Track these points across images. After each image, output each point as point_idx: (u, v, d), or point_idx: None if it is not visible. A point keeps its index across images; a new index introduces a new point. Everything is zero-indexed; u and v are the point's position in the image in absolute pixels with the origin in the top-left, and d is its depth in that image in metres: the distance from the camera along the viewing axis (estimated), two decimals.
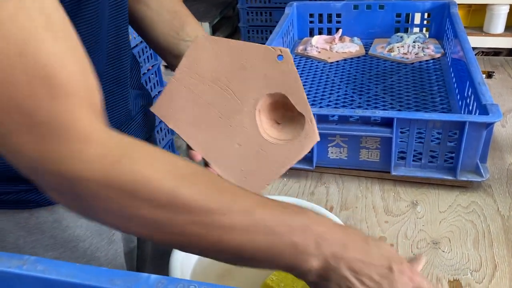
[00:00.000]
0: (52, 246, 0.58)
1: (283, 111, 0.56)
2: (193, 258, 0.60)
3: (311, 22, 1.36)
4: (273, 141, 0.56)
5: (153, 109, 0.59)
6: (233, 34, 3.88)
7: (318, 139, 0.55)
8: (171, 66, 0.66)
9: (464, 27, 1.11)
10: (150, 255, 0.77)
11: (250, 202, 0.41)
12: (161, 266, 0.61)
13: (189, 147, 0.60)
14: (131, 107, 0.63)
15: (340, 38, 1.33)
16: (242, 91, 0.55)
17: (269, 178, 0.56)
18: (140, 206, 0.38)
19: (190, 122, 0.57)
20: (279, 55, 0.52)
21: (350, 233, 0.44)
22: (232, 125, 0.56)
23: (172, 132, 2.36)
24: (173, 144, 2.39)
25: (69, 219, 0.59)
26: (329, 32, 1.38)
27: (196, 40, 0.56)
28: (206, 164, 0.59)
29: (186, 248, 0.43)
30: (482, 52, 2.00)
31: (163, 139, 2.27)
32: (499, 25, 1.93)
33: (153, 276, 0.30)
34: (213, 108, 0.56)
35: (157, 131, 2.16)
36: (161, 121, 2.32)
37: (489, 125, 0.74)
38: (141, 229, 0.40)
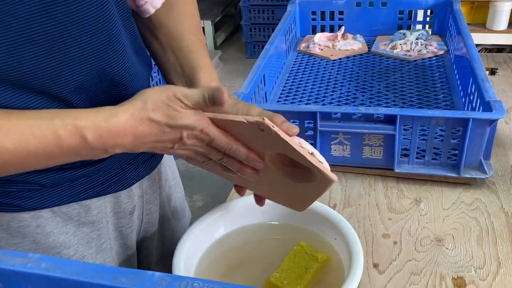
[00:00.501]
0: (34, 251, 0.57)
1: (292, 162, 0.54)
2: (196, 258, 0.61)
3: (313, 19, 1.36)
4: (295, 181, 0.55)
5: None
6: (235, 32, 3.88)
7: (335, 179, 0.51)
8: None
9: (467, 23, 1.11)
10: (155, 259, 0.76)
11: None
12: (166, 269, 0.61)
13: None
14: None
15: (343, 36, 1.33)
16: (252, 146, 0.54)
17: (310, 201, 0.57)
18: None
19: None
20: (260, 129, 0.49)
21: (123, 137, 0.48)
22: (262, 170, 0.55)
23: None
24: None
25: (54, 225, 0.57)
26: (332, 30, 1.37)
27: None
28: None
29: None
30: (485, 48, 2.00)
31: None
32: (502, 21, 1.93)
33: (157, 273, 0.30)
34: None
35: None
36: None
37: (492, 122, 0.74)
38: None
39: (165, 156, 0.74)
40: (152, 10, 0.62)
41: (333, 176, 0.50)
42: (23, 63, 0.46)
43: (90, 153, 0.48)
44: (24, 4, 0.44)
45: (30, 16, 0.45)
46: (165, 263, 0.77)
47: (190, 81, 0.61)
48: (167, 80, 0.65)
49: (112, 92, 0.56)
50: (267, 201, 0.62)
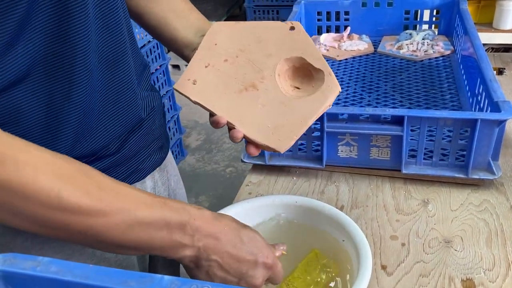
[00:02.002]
0: (60, 248, 0.58)
1: (301, 76, 0.60)
2: None
3: (319, 20, 1.36)
4: (296, 97, 0.59)
5: (176, 86, 0.61)
6: None
7: (340, 89, 0.58)
8: (188, 59, 0.67)
9: (474, 23, 1.10)
10: (161, 262, 0.76)
11: (132, 200, 0.46)
12: (173, 268, 0.61)
13: (211, 115, 0.60)
14: (141, 111, 0.63)
15: (349, 36, 1.32)
16: (260, 60, 0.60)
17: (296, 131, 0.58)
18: (26, 205, 0.41)
19: (212, 92, 0.60)
20: (291, 27, 0.58)
21: (225, 227, 0.51)
22: (254, 90, 0.59)
23: (180, 131, 2.36)
24: (181, 143, 2.40)
25: None
26: (337, 30, 1.37)
27: (213, 25, 0.63)
28: (230, 128, 0.60)
29: (70, 241, 0.49)
30: (492, 48, 1.98)
31: (171, 138, 2.27)
32: (509, 21, 1.91)
33: (167, 277, 0.29)
34: (235, 78, 0.60)
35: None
36: (168, 121, 2.31)
37: (501, 123, 0.73)
38: (27, 225, 0.43)
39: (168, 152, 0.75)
40: None
41: (338, 85, 0.58)
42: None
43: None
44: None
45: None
46: (171, 266, 0.77)
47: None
48: (182, 43, 0.69)
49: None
50: (273, 201, 0.62)
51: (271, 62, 0.59)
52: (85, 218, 0.43)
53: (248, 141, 0.60)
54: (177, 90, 0.61)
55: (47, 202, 0.41)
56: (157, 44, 2.14)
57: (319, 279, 0.58)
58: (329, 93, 0.58)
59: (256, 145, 0.59)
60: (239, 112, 0.59)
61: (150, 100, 0.66)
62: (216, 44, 0.61)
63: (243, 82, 0.60)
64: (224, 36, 0.61)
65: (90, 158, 0.57)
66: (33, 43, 0.46)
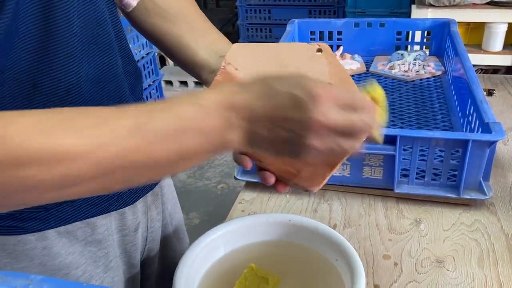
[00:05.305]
0: (42, 273, 0.54)
1: None
2: (197, 278, 0.60)
3: (312, 39, 1.37)
4: None
5: None
6: None
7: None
8: (206, 82, 0.65)
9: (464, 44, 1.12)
10: (155, 278, 0.75)
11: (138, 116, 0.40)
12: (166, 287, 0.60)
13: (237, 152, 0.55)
14: None
15: (341, 56, 1.34)
16: None
17: (329, 167, 0.53)
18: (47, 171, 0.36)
19: None
20: (318, 49, 0.52)
21: (253, 88, 0.43)
22: None
23: None
24: None
25: (60, 246, 0.57)
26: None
27: (232, 47, 0.57)
28: (259, 167, 0.55)
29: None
30: (481, 69, 2.02)
31: None
32: (498, 43, 1.95)
33: None
34: None
35: None
36: None
37: (492, 143, 0.74)
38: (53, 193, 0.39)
39: None
40: (134, 3, 0.64)
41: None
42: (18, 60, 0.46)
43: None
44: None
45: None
46: (164, 283, 0.77)
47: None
48: (199, 65, 0.66)
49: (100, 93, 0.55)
50: (267, 219, 0.61)
51: None
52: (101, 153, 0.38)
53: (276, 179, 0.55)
54: None
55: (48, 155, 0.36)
56: (150, 59, 2.14)
57: None
58: None
59: (286, 183, 0.55)
60: None
61: None
62: (237, 69, 0.55)
63: None
64: (245, 61, 0.56)
65: None
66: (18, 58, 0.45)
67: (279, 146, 0.43)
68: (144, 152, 0.39)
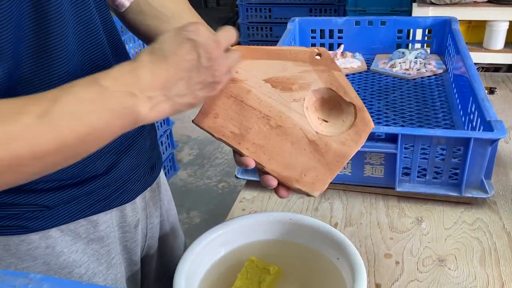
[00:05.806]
0: (46, 273, 0.56)
1: (329, 107, 0.55)
2: (197, 277, 0.60)
3: (313, 37, 1.37)
4: (327, 134, 0.54)
5: (196, 121, 0.56)
6: None
7: (373, 126, 0.54)
8: None
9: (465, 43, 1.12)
10: (153, 277, 0.75)
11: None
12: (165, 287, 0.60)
13: (238, 154, 0.56)
14: (131, 132, 0.59)
15: (342, 54, 1.33)
16: (286, 91, 0.55)
17: (330, 174, 0.54)
18: None
19: (237, 128, 0.55)
20: (317, 53, 0.54)
21: (143, 58, 0.45)
22: (281, 125, 0.55)
23: (172, 145, 2.35)
24: (173, 158, 2.39)
25: (63, 244, 0.57)
26: (331, 48, 1.38)
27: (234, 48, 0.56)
28: (260, 171, 0.56)
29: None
30: (482, 67, 2.01)
31: (163, 152, 2.26)
32: (499, 41, 1.95)
33: None
34: (259, 111, 0.55)
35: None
36: (160, 136, 2.29)
37: (494, 142, 0.74)
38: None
39: (160, 172, 0.73)
40: (127, 3, 0.63)
41: (371, 121, 0.53)
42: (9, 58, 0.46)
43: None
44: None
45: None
46: (163, 281, 0.76)
47: None
48: None
49: None
50: (267, 218, 0.61)
51: (298, 93, 0.54)
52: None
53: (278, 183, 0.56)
54: (197, 125, 0.55)
55: None
56: None
57: (261, 280, 0.58)
58: (362, 131, 0.53)
59: (287, 187, 0.55)
60: (267, 151, 0.55)
61: None
62: (237, 72, 0.55)
63: (269, 117, 0.55)
64: (246, 63, 0.56)
65: (75, 180, 0.55)
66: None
67: (193, 81, 0.46)
68: (53, 136, 0.40)
